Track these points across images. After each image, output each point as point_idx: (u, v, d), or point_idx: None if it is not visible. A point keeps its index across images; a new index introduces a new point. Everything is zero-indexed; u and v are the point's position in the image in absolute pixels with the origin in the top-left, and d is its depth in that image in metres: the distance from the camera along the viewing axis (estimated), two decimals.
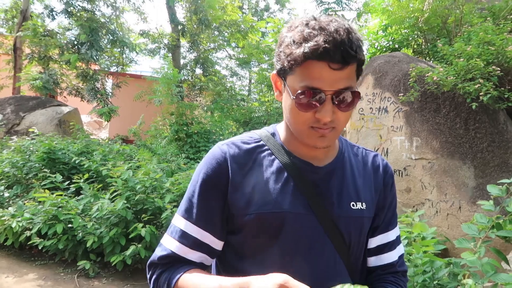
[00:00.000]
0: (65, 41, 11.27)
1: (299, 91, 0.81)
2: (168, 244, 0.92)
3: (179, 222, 0.93)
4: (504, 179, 2.49)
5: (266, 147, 0.95)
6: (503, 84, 4.09)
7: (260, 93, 11.07)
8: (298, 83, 0.82)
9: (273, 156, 0.94)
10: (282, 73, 0.87)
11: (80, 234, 4.26)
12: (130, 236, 4.17)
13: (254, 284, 0.73)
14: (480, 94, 3.90)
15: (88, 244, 4.13)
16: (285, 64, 0.84)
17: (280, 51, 0.85)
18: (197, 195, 0.92)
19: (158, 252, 0.93)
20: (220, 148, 0.94)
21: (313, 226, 0.89)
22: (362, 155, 1.03)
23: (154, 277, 0.91)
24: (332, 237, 0.90)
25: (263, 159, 0.94)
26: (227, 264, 0.95)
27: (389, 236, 1.00)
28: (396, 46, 7.55)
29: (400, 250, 1.02)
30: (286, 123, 0.95)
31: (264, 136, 0.98)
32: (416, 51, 7.32)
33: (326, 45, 0.77)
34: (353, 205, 0.93)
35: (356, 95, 0.84)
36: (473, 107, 4.04)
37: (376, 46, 8.12)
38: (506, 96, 3.95)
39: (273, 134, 0.99)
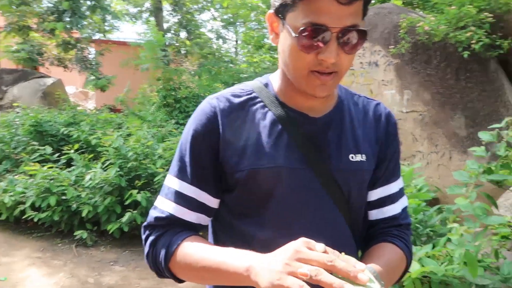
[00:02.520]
0: (44, 10, 10.78)
1: (302, 28, 0.74)
2: (164, 206, 0.88)
3: (173, 182, 0.88)
4: None
5: (258, 99, 0.89)
6: (494, 31, 4.01)
7: (248, 54, 10.84)
8: (300, 19, 0.74)
9: (266, 109, 0.88)
10: (282, 11, 0.78)
11: (75, 205, 4.24)
12: (125, 203, 4.17)
13: (261, 270, 0.66)
14: (472, 42, 3.84)
15: (84, 214, 4.13)
16: None
17: None
18: (188, 154, 0.87)
19: (154, 214, 0.88)
20: (210, 103, 0.88)
21: (310, 180, 0.85)
22: (363, 104, 0.96)
23: (151, 238, 0.87)
24: (331, 191, 0.86)
25: (256, 112, 0.88)
26: (224, 224, 0.91)
27: (391, 188, 0.96)
28: None
29: (403, 202, 0.98)
30: (282, 71, 0.88)
31: (256, 88, 0.91)
32: (406, 2, 7.14)
33: None
34: (352, 157, 0.88)
35: (363, 35, 0.77)
36: (465, 55, 3.98)
37: None
38: (497, 43, 3.89)
39: (266, 85, 0.92)
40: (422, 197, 2.53)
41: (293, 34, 0.75)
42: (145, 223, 0.90)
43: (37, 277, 3.47)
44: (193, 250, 0.80)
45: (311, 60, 0.77)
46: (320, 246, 0.63)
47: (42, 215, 4.21)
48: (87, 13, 11.44)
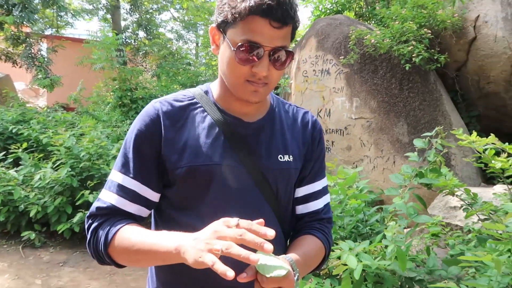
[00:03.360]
0: None
1: (240, 43, 0.85)
2: (107, 197, 0.95)
3: (116, 176, 0.96)
4: None
5: (199, 105, 1.00)
6: (433, 46, 4.37)
7: (207, 57, 10.88)
8: (239, 36, 0.86)
9: (205, 113, 0.98)
10: (223, 26, 0.89)
11: (22, 205, 4.12)
12: (76, 204, 4.10)
13: (188, 248, 0.74)
14: (413, 55, 4.16)
15: (32, 214, 4.02)
16: (228, 17, 0.86)
17: (224, 4, 0.88)
18: (132, 151, 0.95)
19: (97, 204, 0.95)
20: (153, 106, 0.98)
21: (243, 177, 0.96)
22: (293, 112, 1.10)
23: (93, 226, 0.93)
24: (261, 187, 0.97)
25: (196, 116, 0.98)
26: (166, 216, 1.00)
27: (315, 186, 1.09)
28: (340, 9, 7.70)
29: (326, 199, 1.11)
30: (221, 80, 0.99)
31: (197, 94, 1.02)
32: (357, 13, 7.52)
33: (270, 1, 0.82)
34: (280, 157, 1.00)
35: (290, 55, 0.91)
36: (407, 68, 4.30)
37: (320, 9, 8.21)
38: (435, 57, 4.24)
39: (206, 92, 1.03)
40: (362, 197, 2.73)
41: (232, 48, 0.87)
42: (88, 213, 0.97)
43: None
44: (129, 235, 0.87)
45: (246, 72, 0.89)
46: (234, 220, 0.73)
47: None
48: (39, 7, 10.98)
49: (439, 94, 4.67)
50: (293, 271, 0.84)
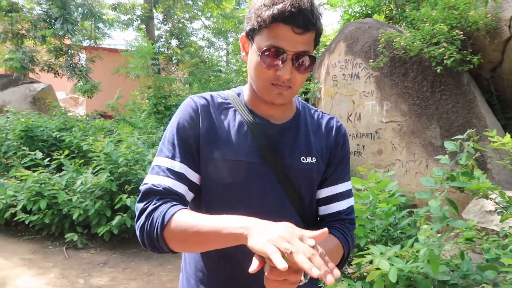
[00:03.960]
0: (36, 16, 10.86)
1: (265, 48, 0.93)
2: (158, 180, 0.98)
3: (163, 161, 1.00)
4: None
5: (231, 105, 1.09)
6: (465, 47, 4.29)
7: (237, 63, 11.06)
8: (264, 42, 0.94)
9: (236, 113, 1.07)
10: (251, 34, 0.98)
11: (66, 209, 4.37)
12: (115, 207, 4.31)
13: (255, 233, 0.76)
14: (444, 57, 4.10)
15: (74, 217, 4.25)
16: (254, 25, 0.95)
17: (252, 13, 0.97)
18: (176, 137, 1.03)
19: (148, 188, 0.97)
20: (192, 99, 1.09)
21: (266, 174, 1.02)
22: (318, 117, 1.17)
23: (148, 209, 0.94)
24: (284, 186, 1.04)
25: (227, 114, 1.07)
26: (190, 207, 1.06)
27: (337, 188, 1.13)
28: (369, 12, 7.64)
29: (349, 202, 1.15)
30: (250, 85, 1.08)
31: (230, 96, 1.12)
32: (387, 16, 7.44)
33: (292, 9, 0.91)
34: (303, 159, 1.06)
35: (312, 60, 0.98)
36: (438, 70, 4.24)
37: (349, 12, 8.18)
38: (468, 58, 4.16)
39: (239, 94, 1.13)
40: (393, 202, 2.73)
41: (258, 53, 0.96)
42: (138, 199, 1.00)
43: (28, 278, 3.58)
44: (188, 217, 0.90)
45: (271, 75, 0.97)
46: (311, 241, 0.74)
47: (33, 218, 4.32)
48: (79, 20, 11.56)
49: (473, 96, 4.56)
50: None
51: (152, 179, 0.99)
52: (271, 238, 0.72)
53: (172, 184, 0.97)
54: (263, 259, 0.76)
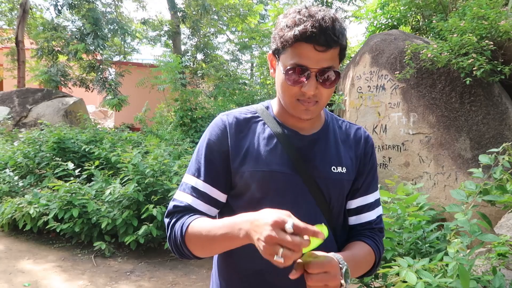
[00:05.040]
0: (69, 33, 11.41)
1: (289, 67, 0.97)
2: (183, 198, 1.08)
3: (190, 180, 1.10)
4: None
5: (260, 118, 1.13)
6: (496, 58, 4.19)
7: (262, 76, 11.17)
8: (288, 60, 0.98)
9: (265, 125, 1.11)
10: (277, 53, 1.03)
11: (95, 218, 4.49)
12: (142, 217, 4.39)
13: (260, 216, 0.84)
14: (474, 68, 4.01)
15: (103, 226, 4.36)
16: (279, 45, 1.00)
17: (276, 34, 1.01)
18: (203, 157, 1.09)
19: (174, 203, 1.09)
20: (221, 118, 1.13)
21: (297, 184, 1.05)
22: (346, 128, 1.19)
23: (172, 222, 1.06)
24: (314, 195, 1.06)
25: (257, 127, 1.11)
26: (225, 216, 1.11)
27: (368, 198, 1.16)
28: (395, 23, 7.60)
29: (378, 211, 1.18)
30: (278, 99, 1.12)
31: (259, 109, 1.16)
32: (414, 27, 7.37)
33: (313, 29, 0.94)
34: (333, 168, 1.09)
35: (337, 75, 1.01)
36: (467, 82, 4.15)
37: (375, 24, 8.15)
38: (499, 69, 4.06)
39: (267, 107, 1.17)
40: (422, 218, 2.67)
41: (283, 71, 1.00)
42: (165, 213, 1.11)
43: (58, 284, 3.68)
44: (202, 223, 0.99)
45: (296, 92, 1.00)
46: (289, 225, 0.78)
47: (64, 226, 4.46)
48: (109, 35, 12.04)
49: (505, 107, 4.43)
50: (340, 263, 0.91)
51: (178, 196, 1.10)
52: (264, 240, 0.79)
53: (195, 203, 1.07)
54: (303, 267, 0.84)
